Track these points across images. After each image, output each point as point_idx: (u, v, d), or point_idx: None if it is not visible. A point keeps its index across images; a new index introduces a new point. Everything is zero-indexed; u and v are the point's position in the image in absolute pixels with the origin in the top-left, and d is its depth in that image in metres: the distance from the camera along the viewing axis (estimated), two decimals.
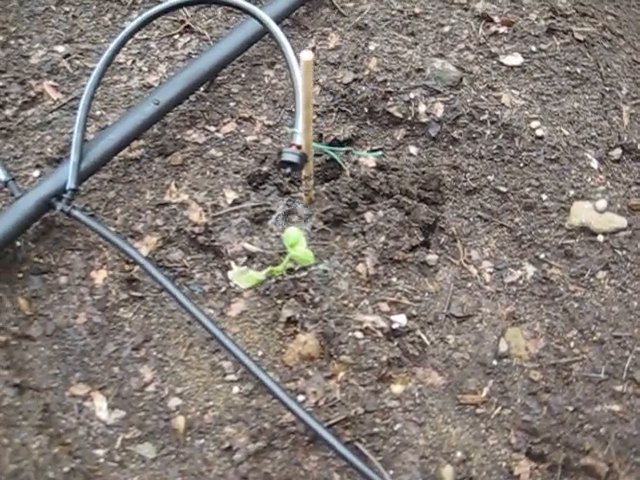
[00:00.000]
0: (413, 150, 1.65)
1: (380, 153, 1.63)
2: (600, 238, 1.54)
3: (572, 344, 1.45)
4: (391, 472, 1.33)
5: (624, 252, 1.53)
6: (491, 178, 1.62)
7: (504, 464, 1.35)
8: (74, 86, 1.75)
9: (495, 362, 1.44)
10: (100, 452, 1.33)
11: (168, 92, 1.62)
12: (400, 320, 1.44)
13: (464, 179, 1.62)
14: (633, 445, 1.33)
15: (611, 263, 1.52)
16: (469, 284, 1.52)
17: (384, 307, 1.45)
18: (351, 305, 1.45)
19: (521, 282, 1.52)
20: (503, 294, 1.51)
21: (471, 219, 1.59)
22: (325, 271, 1.48)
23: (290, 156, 1.37)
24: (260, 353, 1.43)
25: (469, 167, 1.63)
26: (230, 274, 1.41)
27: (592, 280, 1.51)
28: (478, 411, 1.40)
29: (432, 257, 1.53)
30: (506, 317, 1.48)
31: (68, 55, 1.79)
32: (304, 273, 1.47)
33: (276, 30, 1.53)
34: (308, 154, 1.41)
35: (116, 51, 1.58)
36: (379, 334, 1.42)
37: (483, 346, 1.45)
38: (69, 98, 1.73)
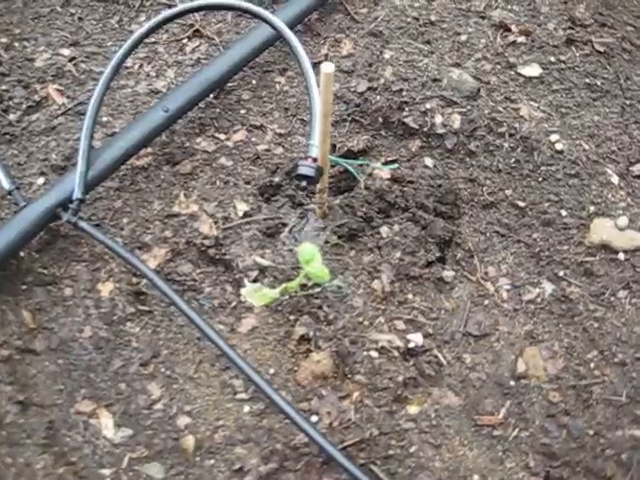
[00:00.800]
0: (429, 162, 1.62)
1: (396, 165, 1.59)
2: (621, 256, 1.51)
3: (592, 365, 1.41)
4: None
5: None
6: (509, 192, 1.58)
7: None
8: (80, 90, 1.70)
9: (513, 382, 1.40)
10: (106, 472, 1.29)
11: (177, 99, 1.58)
12: (416, 339, 1.41)
13: (481, 193, 1.58)
14: None
15: (632, 282, 1.49)
16: (486, 301, 1.48)
17: (400, 325, 1.42)
18: (366, 323, 1.41)
19: (539, 300, 1.48)
20: (521, 312, 1.47)
21: (488, 234, 1.55)
22: (339, 287, 1.44)
23: (306, 169, 1.33)
24: (272, 371, 1.39)
25: (486, 181, 1.60)
26: (243, 291, 1.37)
27: (613, 299, 1.48)
28: (495, 433, 1.36)
29: (448, 273, 1.49)
30: (524, 336, 1.45)
31: (74, 58, 1.75)
32: (317, 289, 1.43)
33: (291, 37, 1.49)
34: (324, 167, 1.37)
35: (125, 56, 1.53)
36: (395, 353, 1.38)
37: (500, 366, 1.42)
38: (74, 103, 1.68)
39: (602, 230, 1.51)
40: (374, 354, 1.38)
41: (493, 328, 1.45)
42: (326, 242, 1.49)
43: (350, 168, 1.55)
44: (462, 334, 1.44)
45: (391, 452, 1.32)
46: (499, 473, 1.33)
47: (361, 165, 1.58)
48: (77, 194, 1.43)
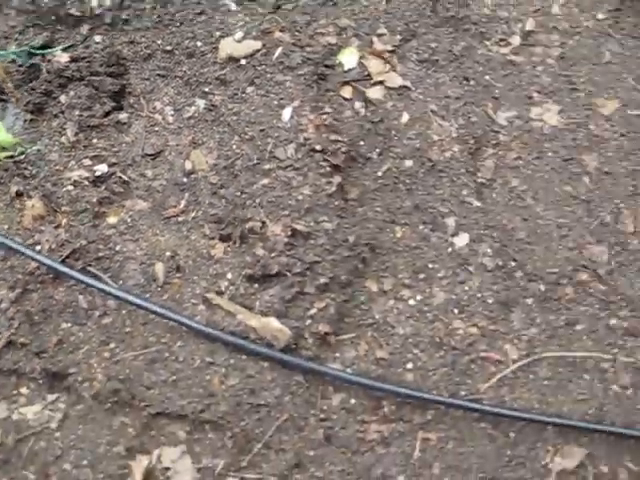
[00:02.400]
0: (98, 38, 1.98)
1: (70, 46, 1.96)
2: (243, 62, 1.89)
3: (234, 146, 1.82)
4: (120, 282, 1.72)
5: (262, 67, 1.88)
6: (160, 42, 1.96)
7: (205, 251, 1.74)
8: None
9: (185, 179, 1.81)
10: None
11: None
12: (102, 168, 1.82)
13: (140, 49, 1.96)
14: (279, 204, 1.72)
15: (255, 78, 1.88)
16: (156, 128, 1.88)
17: (87, 162, 1.82)
18: (61, 168, 1.82)
19: (196, 115, 1.88)
20: (184, 128, 1.87)
21: (152, 79, 1.93)
22: (39, 150, 1.84)
23: None
24: (7, 227, 1.80)
25: (142, 39, 1.96)
26: None
27: (244, 95, 1.87)
28: (179, 219, 1.78)
29: (124, 116, 1.89)
30: (189, 144, 1.84)
31: None
32: (22, 156, 1.84)
33: None
34: None
35: None
36: (86, 183, 1.80)
37: (175, 171, 1.82)
38: None
39: (227, 47, 1.90)
40: (70, 188, 1.79)
41: (165, 145, 1.85)
42: (24, 120, 1.89)
43: (14, 55, 1.92)
44: (141, 156, 1.85)
45: (101, 254, 1.74)
46: (186, 246, 1.75)
47: (43, 56, 1.96)
48: None
